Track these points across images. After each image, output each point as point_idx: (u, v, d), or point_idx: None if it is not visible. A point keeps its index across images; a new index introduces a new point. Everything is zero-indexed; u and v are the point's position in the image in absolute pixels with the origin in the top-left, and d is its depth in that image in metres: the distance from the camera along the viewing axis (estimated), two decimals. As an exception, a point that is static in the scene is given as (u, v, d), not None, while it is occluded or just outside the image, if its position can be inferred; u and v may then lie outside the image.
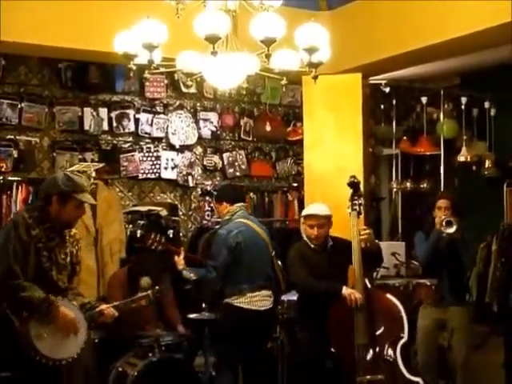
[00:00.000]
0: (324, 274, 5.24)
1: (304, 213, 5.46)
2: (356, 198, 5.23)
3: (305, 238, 5.45)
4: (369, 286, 5.21)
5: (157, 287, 5.09)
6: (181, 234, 7.99)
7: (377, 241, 5.46)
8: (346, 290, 5.07)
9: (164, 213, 7.53)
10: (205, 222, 8.19)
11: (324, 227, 5.33)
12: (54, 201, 4.29)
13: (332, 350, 5.02)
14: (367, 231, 5.21)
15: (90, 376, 5.34)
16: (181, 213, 8.13)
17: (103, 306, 4.51)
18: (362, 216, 5.28)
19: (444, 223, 5.60)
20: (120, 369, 5.45)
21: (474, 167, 8.94)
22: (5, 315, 4.09)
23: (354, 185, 5.27)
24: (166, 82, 8.02)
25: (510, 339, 6.44)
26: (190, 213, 8.23)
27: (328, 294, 5.12)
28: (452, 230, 5.58)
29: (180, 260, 5.49)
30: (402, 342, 5.02)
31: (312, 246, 5.38)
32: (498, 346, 6.54)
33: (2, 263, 4.09)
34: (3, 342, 4.12)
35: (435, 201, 5.93)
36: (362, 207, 5.24)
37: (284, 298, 5.93)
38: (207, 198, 8.18)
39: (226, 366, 5.52)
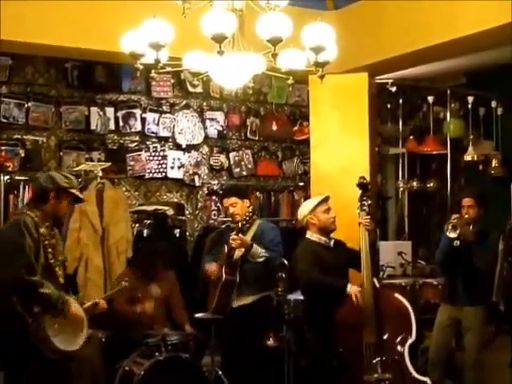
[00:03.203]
0: (334, 269, 5.25)
1: (315, 202, 5.46)
2: (365, 198, 5.28)
3: (311, 237, 5.44)
4: (377, 285, 5.21)
5: (126, 279, 5.34)
6: (187, 234, 8.00)
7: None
8: (351, 288, 5.08)
9: (170, 212, 7.54)
10: (211, 221, 8.20)
11: None
12: (52, 197, 4.42)
13: (339, 349, 5.03)
14: (369, 219, 5.25)
15: (97, 375, 5.38)
16: (187, 212, 8.14)
17: (93, 301, 4.69)
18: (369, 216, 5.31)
19: (450, 227, 5.60)
20: (127, 368, 5.45)
21: (480, 166, 8.93)
22: (14, 312, 4.13)
23: (363, 185, 5.32)
24: (172, 81, 8.04)
25: (517, 339, 6.43)
26: (197, 212, 8.24)
27: (332, 289, 5.12)
28: (453, 235, 5.56)
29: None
30: (409, 341, 5.02)
31: (322, 241, 5.39)
32: (504, 346, 6.52)
33: (20, 259, 4.15)
34: (13, 339, 4.16)
35: (460, 199, 5.89)
36: (370, 207, 5.28)
37: (290, 297, 5.93)
38: (214, 197, 8.19)
39: None
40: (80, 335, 4.45)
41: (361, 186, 5.32)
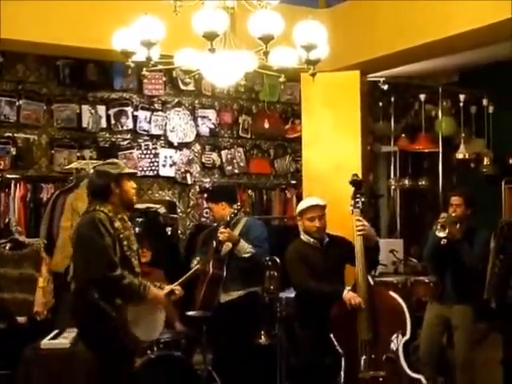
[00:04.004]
0: (323, 270, 5.26)
1: (301, 207, 5.47)
2: (358, 195, 5.25)
3: (302, 236, 5.48)
4: (372, 283, 5.21)
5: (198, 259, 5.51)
6: (179, 232, 7.99)
7: (375, 234, 5.44)
8: (346, 294, 5.07)
9: (162, 210, 7.53)
10: (203, 219, 8.19)
11: (323, 218, 5.39)
12: (114, 187, 4.54)
13: (333, 346, 5.02)
14: (362, 223, 5.20)
15: (89, 373, 5.37)
16: (179, 210, 8.13)
17: (169, 287, 4.84)
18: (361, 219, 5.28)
19: (439, 226, 5.62)
20: (119, 366, 5.45)
21: (472, 164, 8.95)
22: (98, 307, 4.33)
23: (356, 183, 5.29)
24: (164, 79, 8.02)
25: (509, 336, 6.45)
26: (189, 210, 8.24)
27: (331, 296, 5.13)
28: (442, 234, 5.58)
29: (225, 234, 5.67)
30: (404, 339, 5.02)
31: (311, 242, 5.40)
32: (496, 343, 6.54)
33: (102, 257, 4.33)
34: (96, 330, 4.39)
35: (449, 197, 5.93)
36: (364, 205, 5.26)
37: (282, 295, 5.94)
38: (205, 195, 8.18)
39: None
40: (159, 322, 4.71)
41: (354, 183, 5.30)
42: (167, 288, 4.78)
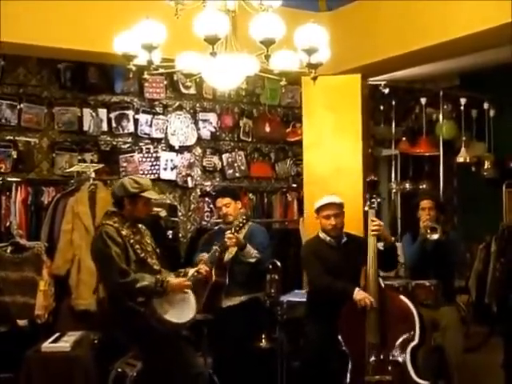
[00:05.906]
0: (338, 269, 5.25)
1: (317, 205, 5.47)
2: (374, 196, 5.28)
3: (320, 234, 5.48)
4: (382, 285, 5.19)
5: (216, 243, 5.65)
6: (180, 235, 7.99)
7: (393, 238, 5.48)
8: (357, 294, 5.05)
9: (163, 213, 7.52)
10: (204, 222, 8.18)
11: (339, 216, 5.41)
12: (127, 203, 4.85)
13: (341, 347, 5.00)
14: (377, 222, 5.20)
15: (89, 376, 5.38)
16: (180, 213, 8.13)
17: (194, 269, 5.10)
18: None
19: (429, 230, 5.66)
20: (119, 369, 5.43)
21: (473, 168, 8.95)
22: (127, 308, 4.71)
23: (372, 183, 5.34)
24: (165, 82, 8.02)
25: (509, 340, 6.44)
26: (190, 213, 8.23)
27: (342, 294, 5.13)
28: (436, 236, 5.65)
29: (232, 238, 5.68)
30: (412, 344, 4.96)
31: (327, 240, 5.40)
32: (497, 347, 6.53)
33: (111, 267, 4.65)
34: (133, 328, 4.75)
35: (418, 201, 5.99)
36: (379, 206, 5.32)
37: (283, 298, 5.94)
38: (206, 198, 8.18)
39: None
40: (189, 304, 4.93)
41: (370, 183, 5.40)
42: (192, 270, 5.03)
